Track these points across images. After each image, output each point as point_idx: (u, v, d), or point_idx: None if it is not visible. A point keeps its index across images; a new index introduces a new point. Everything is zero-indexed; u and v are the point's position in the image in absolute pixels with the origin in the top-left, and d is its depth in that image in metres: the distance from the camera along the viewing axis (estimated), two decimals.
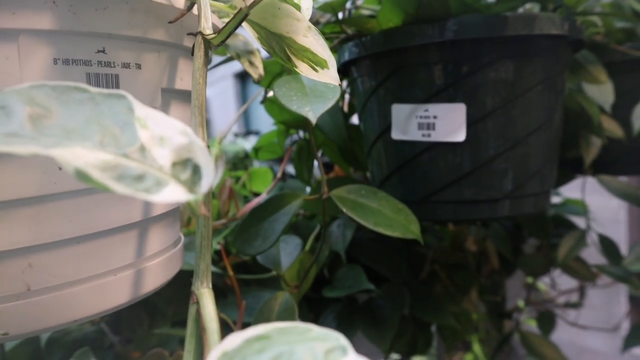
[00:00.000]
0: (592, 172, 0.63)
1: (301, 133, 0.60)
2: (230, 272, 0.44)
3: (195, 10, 0.24)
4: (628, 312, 2.06)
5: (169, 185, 0.13)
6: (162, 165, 0.14)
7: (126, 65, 0.23)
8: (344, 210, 0.35)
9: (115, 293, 0.25)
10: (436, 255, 0.71)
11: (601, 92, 0.54)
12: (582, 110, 0.53)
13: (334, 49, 0.49)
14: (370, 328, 0.59)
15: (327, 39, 0.48)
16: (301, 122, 0.53)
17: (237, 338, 0.14)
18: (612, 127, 0.58)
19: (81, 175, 0.11)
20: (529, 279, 0.90)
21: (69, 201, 0.22)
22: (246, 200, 0.71)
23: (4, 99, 0.14)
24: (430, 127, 0.41)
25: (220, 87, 5.01)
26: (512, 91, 0.41)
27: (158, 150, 0.14)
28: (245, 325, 0.50)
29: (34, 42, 0.20)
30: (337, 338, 0.13)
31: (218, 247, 0.55)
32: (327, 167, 0.80)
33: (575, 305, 0.86)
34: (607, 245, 0.64)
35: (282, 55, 0.24)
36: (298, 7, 0.23)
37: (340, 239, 0.59)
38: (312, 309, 0.64)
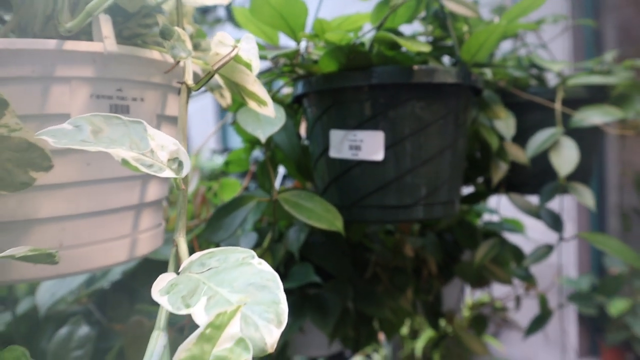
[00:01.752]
0: (505, 191, 0.76)
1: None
2: None
3: (182, 63, 0.36)
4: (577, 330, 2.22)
5: (166, 170, 0.25)
6: (162, 160, 0.25)
7: (134, 99, 0.34)
8: (285, 207, 0.47)
9: (118, 253, 0.36)
10: (379, 259, 0.83)
11: (505, 125, 0.67)
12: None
13: (290, 83, 0.62)
14: (316, 315, 0.70)
15: (285, 75, 0.60)
16: (256, 139, 0.65)
17: (196, 254, 0.25)
18: (519, 155, 0.71)
19: (125, 162, 0.23)
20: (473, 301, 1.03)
21: (93, 187, 0.34)
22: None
23: (77, 121, 0.25)
24: (358, 148, 0.53)
25: (200, 104, 5.15)
26: (422, 122, 0.53)
27: (160, 152, 0.26)
28: None
29: (80, 84, 0.31)
30: (250, 251, 0.25)
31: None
32: (290, 181, 0.92)
33: (504, 310, 0.99)
34: (515, 252, 0.77)
35: (239, 95, 0.36)
36: (249, 66, 0.35)
37: (295, 241, 0.71)
38: None
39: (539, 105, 0.72)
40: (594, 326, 2.27)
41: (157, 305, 0.62)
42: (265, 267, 0.24)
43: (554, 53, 1.78)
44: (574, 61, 2.20)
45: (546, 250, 0.69)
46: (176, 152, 0.26)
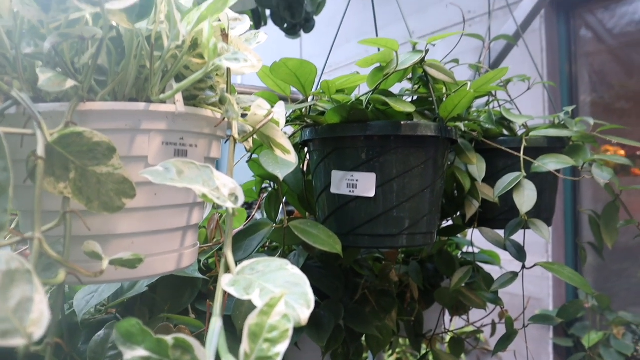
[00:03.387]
0: (477, 225, 0.88)
1: (272, 184, 0.83)
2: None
3: (229, 120, 0.47)
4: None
5: (227, 202, 0.36)
6: (225, 195, 0.36)
7: (191, 145, 0.46)
8: (296, 233, 0.58)
9: (170, 264, 0.47)
10: (367, 283, 0.93)
11: (478, 168, 0.79)
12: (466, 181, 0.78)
13: (300, 130, 0.73)
14: (312, 330, 0.80)
15: (294, 123, 0.72)
16: (272, 177, 0.76)
17: (246, 262, 0.36)
18: (490, 194, 0.83)
19: (204, 195, 0.34)
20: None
21: (156, 211, 0.44)
22: None
23: (167, 164, 0.36)
24: (354, 186, 0.64)
25: None
26: (407, 167, 0.65)
27: (223, 189, 0.37)
28: (225, 317, 0.70)
29: (156, 134, 0.42)
30: (286, 261, 0.35)
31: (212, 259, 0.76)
32: (289, 213, 1.03)
33: (480, 332, 1.09)
34: (486, 278, 0.88)
35: (268, 144, 0.48)
36: (278, 123, 0.46)
37: (295, 264, 0.81)
38: None
39: (505, 152, 0.84)
40: (569, 357, 2.37)
41: (177, 314, 0.72)
42: (297, 271, 0.34)
43: (533, 98, 1.93)
44: (550, 106, 2.37)
45: (512, 276, 0.80)
46: (234, 189, 0.37)
